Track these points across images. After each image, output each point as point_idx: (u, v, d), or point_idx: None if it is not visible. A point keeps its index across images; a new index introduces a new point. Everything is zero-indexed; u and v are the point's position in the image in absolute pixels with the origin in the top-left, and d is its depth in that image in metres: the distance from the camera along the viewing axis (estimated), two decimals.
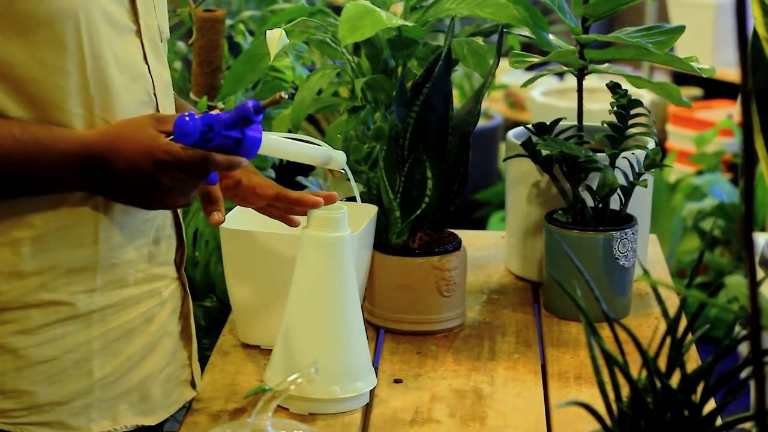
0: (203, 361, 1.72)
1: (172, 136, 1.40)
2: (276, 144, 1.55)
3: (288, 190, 1.67)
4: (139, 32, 1.48)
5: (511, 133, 2.04)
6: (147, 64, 1.49)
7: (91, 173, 1.40)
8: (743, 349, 3.11)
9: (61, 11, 1.38)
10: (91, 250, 1.45)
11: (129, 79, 1.46)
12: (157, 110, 1.51)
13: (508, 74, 5.26)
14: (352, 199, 1.92)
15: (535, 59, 1.96)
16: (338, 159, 1.64)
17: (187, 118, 1.39)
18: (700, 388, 1.22)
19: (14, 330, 1.43)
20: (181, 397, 1.59)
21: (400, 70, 1.96)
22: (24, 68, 1.38)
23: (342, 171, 1.68)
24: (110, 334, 1.49)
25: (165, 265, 1.55)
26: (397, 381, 1.69)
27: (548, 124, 1.92)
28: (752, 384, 1.39)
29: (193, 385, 1.61)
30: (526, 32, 1.95)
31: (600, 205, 1.90)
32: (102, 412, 1.49)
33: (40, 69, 1.39)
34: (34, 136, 1.38)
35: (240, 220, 1.79)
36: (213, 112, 1.43)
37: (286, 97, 1.43)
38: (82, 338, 1.47)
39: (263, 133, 1.46)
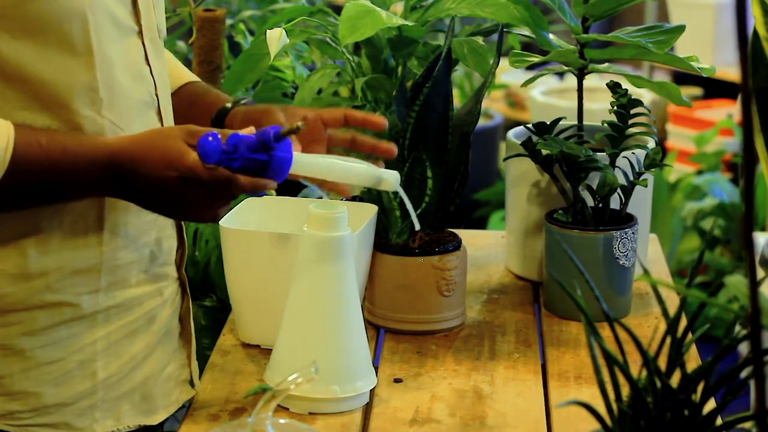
0: (203, 360, 1.72)
1: None
2: (313, 163, 1.49)
3: (354, 111, 1.64)
4: (140, 33, 1.48)
5: (511, 133, 2.04)
6: (149, 64, 1.49)
7: (117, 181, 1.40)
8: (743, 348, 3.11)
9: (69, 11, 1.38)
10: (96, 251, 1.45)
11: (131, 81, 1.46)
12: (159, 110, 1.51)
13: (508, 74, 5.27)
14: (353, 198, 1.92)
15: (535, 59, 1.96)
16: (389, 180, 1.54)
17: (210, 138, 1.39)
18: (700, 388, 1.22)
19: (20, 332, 1.44)
20: (181, 397, 1.60)
21: (400, 69, 1.96)
22: (32, 69, 1.38)
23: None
24: (114, 335, 1.49)
25: (166, 265, 1.55)
26: (397, 381, 1.69)
27: (548, 123, 1.92)
28: (752, 384, 1.39)
29: (191, 384, 1.62)
30: (526, 32, 1.95)
31: (600, 205, 1.90)
32: (105, 413, 1.50)
33: (48, 70, 1.39)
34: (61, 144, 1.38)
35: (240, 220, 1.79)
36: (241, 132, 1.42)
37: (304, 127, 1.41)
38: (87, 339, 1.47)
39: (294, 153, 1.43)
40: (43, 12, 1.37)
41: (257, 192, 1.42)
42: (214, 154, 1.39)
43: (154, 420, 1.56)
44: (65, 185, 1.39)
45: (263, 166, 1.41)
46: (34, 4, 1.36)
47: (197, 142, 1.39)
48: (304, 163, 1.47)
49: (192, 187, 1.39)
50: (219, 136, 1.40)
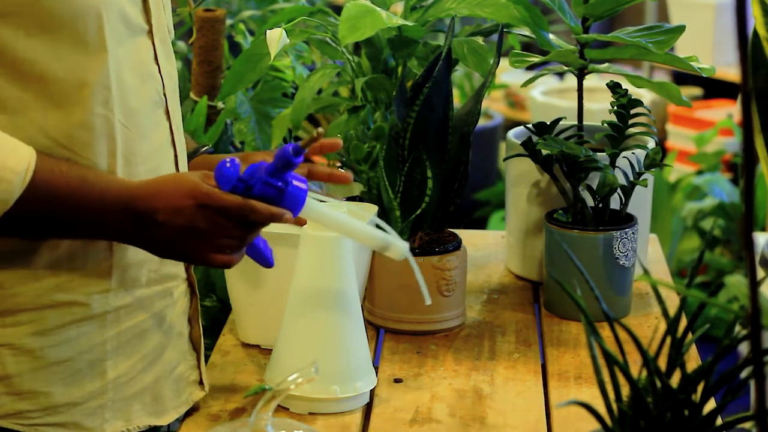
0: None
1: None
2: (325, 213, 1.47)
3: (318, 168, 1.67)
4: (150, 32, 1.49)
5: (511, 133, 2.04)
6: (157, 64, 1.50)
7: (132, 217, 1.40)
8: (743, 348, 3.11)
9: (83, 9, 1.39)
10: (107, 251, 1.46)
11: (138, 80, 1.47)
12: (167, 109, 1.52)
13: (508, 74, 5.27)
14: (353, 198, 1.92)
15: (535, 59, 1.96)
16: (399, 247, 1.48)
17: (228, 165, 1.40)
18: (700, 388, 1.22)
19: (31, 331, 1.44)
20: (191, 397, 1.60)
21: (400, 69, 1.96)
22: (46, 66, 1.39)
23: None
24: (123, 335, 1.49)
25: (175, 265, 1.55)
26: (397, 381, 1.69)
27: (548, 123, 1.92)
28: (752, 384, 1.39)
29: (201, 385, 1.62)
30: (526, 32, 1.95)
31: (600, 205, 1.90)
32: (115, 413, 1.50)
33: (62, 67, 1.39)
34: (81, 173, 1.39)
35: None
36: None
37: (324, 132, 1.41)
38: (97, 339, 1.47)
39: (310, 198, 1.43)
40: (58, 9, 1.38)
41: (274, 219, 1.42)
42: (232, 178, 1.39)
43: (164, 420, 1.56)
44: (79, 215, 1.39)
45: (279, 194, 1.41)
46: (49, 2, 1.37)
47: (216, 167, 1.40)
48: (316, 209, 1.46)
49: (208, 214, 1.39)
50: (237, 162, 1.40)
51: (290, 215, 1.42)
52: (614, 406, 1.21)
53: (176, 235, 1.40)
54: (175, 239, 1.41)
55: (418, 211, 1.83)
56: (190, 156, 1.66)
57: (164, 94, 1.51)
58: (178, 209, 1.39)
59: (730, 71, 4.71)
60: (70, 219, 1.39)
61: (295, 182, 1.42)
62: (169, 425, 1.61)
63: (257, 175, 1.40)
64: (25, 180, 1.35)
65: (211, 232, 1.40)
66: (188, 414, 1.59)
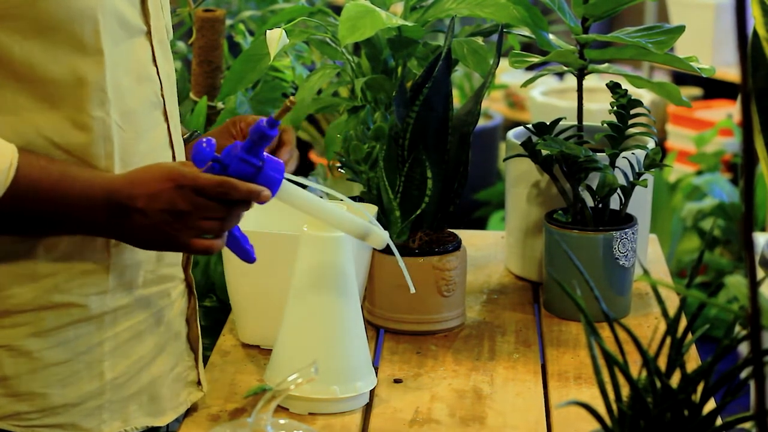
0: (203, 360, 1.72)
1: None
2: (301, 196, 1.49)
3: None
4: (149, 33, 1.49)
5: (511, 133, 2.04)
6: (155, 65, 1.50)
7: (113, 207, 1.40)
8: (743, 349, 3.11)
9: (80, 12, 1.39)
10: (104, 252, 1.46)
11: (135, 81, 1.47)
12: (165, 110, 1.52)
13: (508, 74, 5.26)
14: (353, 198, 1.92)
15: (535, 59, 1.96)
16: (378, 237, 1.53)
17: (204, 144, 1.41)
18: (700, 388, 1.22)
19: (28, 332, 1.44)
20: (189, 398, 1.60)
21: (400, 70, 1.96)
22: (43, 69, 1.39)
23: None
24: (121, 336, 1.49)
25: (173, 266, 1.55)
26: (397, 381, 1.69)
27: (548, 123, 1.92)
28: (752, 384, 1.39)
29: (199, 386, 1.62)
30: (526, 32, 1.95)
31: (600, 205, 1.90)
32: (113, 414, 1.50)
33: (59, 70, 1.39)
34: (62, 168, 1.40)
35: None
36: None
37: (296, 101, 1.41)
38: (95, 340, 1.47)
39: (285, 175, 1.44)
40: (54, 12, 1.38)
41: (251, 197, 1.42)
42: (207, 158, 1.40)
43: (162, 421, 1.56)
44: (61, 208, 1.39)
45: (256, 172, 1.42)
46: (45, 4, 1.37)
47: (192, 148, 1.41)
48: (294, 192, 1.48)
49: (188, 196, 1.39)
50: (213, 142, 1.41)
51: (268, 193, 1.42)
52: (614, 407, 1.21)
53: (157, 221, 1.40)
54: (156, 225, 1.40)
55: (418, 211, 1.83)
56: (184, 142, 1.66)
57: (162, 96, 1.51)
58: (157, 193, 1.39)
59: (729, 71, 4.71)
60: (53, 214, 1.39)
61: (271, 162, 1.43)
62: (168, 425, 1.61)
63: (233, 153, 1.41)
64: (8, 177, 1.35)
65: (192, 213, 1.40)
66: (188, 414, 1.59)
